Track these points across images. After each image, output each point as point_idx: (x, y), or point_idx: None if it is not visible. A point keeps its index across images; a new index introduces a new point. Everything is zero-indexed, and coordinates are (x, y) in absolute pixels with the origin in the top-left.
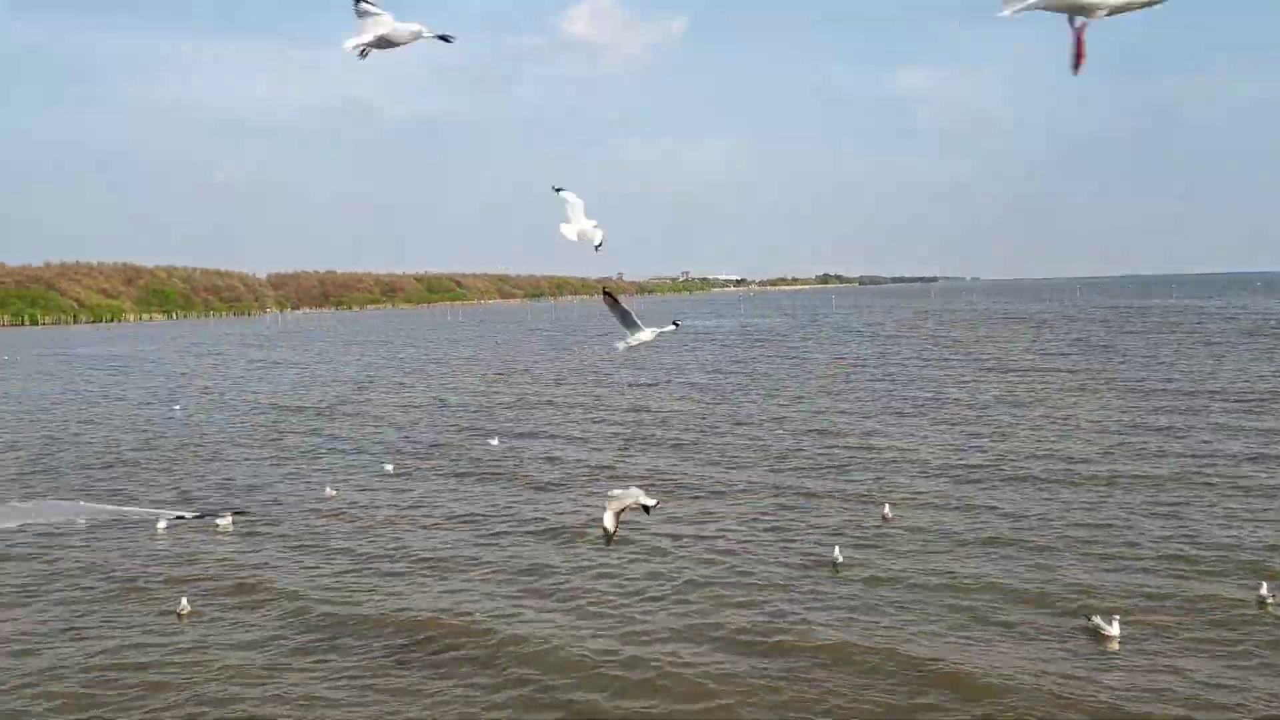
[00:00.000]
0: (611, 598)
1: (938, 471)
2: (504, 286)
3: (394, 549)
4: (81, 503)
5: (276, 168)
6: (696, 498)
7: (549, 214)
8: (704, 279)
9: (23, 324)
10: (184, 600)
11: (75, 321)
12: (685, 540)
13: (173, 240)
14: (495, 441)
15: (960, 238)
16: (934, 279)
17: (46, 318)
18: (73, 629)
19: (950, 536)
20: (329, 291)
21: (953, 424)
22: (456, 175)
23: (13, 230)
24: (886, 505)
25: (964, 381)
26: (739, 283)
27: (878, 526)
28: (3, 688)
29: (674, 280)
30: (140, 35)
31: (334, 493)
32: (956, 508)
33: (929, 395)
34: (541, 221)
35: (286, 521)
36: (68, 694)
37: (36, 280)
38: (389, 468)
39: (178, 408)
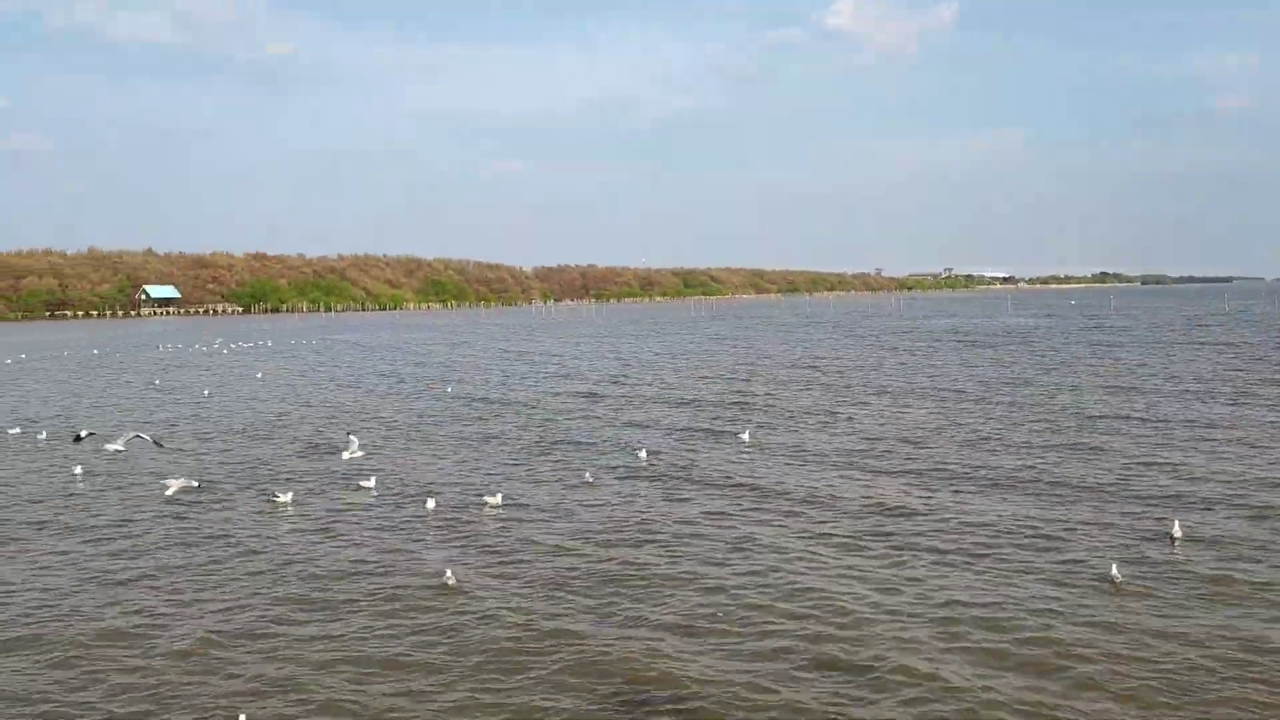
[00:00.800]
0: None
1: (1242, 500)
2: (758, 281)
3: (649, 536)
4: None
5: (543, 164)
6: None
7: (806, 211)
8: (968, 276)
9: (318, 310)
10: (449, 572)
11: (363, 309)
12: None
13: (447, 235)
14: (746, 436)
15: (1261, 232)
16: (1229, 279)
17: (339, 305)
18: (350, 600)
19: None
20: (590, 284)
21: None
22: (713, 170)
23: (314, 226)
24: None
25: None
26: (1006, 280)
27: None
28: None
29: (935, 277)
30: (425, 45)
31: (590, 479)
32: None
33: (1228, 409)
34: (799, 218)
35: (543, 501)
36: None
37: (332, 271)
38: (642, 454)
39: (449, 389)
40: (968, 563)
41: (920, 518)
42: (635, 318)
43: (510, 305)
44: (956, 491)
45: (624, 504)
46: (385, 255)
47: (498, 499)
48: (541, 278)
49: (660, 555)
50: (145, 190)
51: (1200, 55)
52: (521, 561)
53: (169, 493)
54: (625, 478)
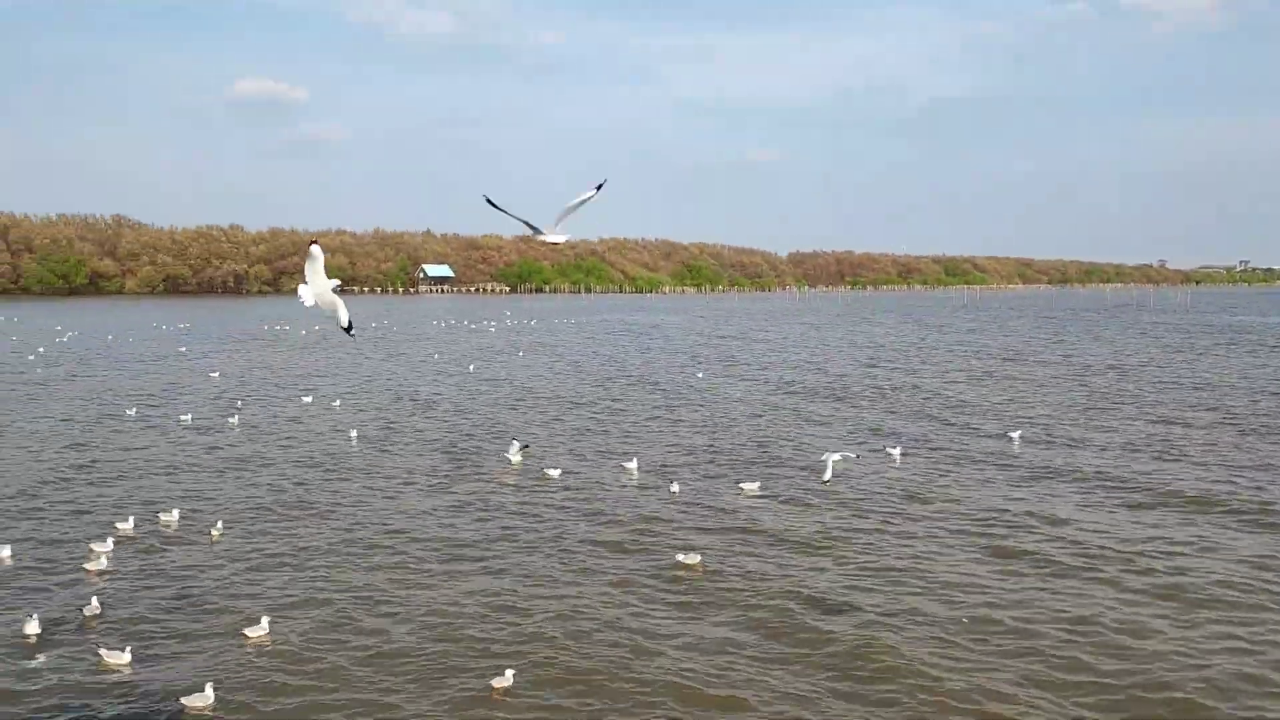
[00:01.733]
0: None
1: None
2: (1026, 271)
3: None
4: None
5: (801, 150)
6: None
7: (1081, 197)
8: (1268, 270)
9: (579, 291)
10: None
11: (620, 291)
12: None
13: (704, 220)
14: (1016, 436)
15: None
16: None
17: (598, 286)
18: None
19: None
20: (845, 271)
21: None
22: (980, 155)
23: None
24: None
25: None
26: None
27: None
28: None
29: (1229, 270)
30: (680, 35)
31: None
32: None
33: None
34: (1073, 205)
35: (785, 492)
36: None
37: (592, 254)
38: (895, 452)
39: (700, 375)
40: None
41: None
42: (888, 306)
43: (764, 290)
44: None
45: (860, 498)
46: (643, 239)
47: (754, 487)
48: (796, 264)
49: (841, 557)
50: (424, 174)
51: None
52: (769, 547)
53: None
54: (840, 477)
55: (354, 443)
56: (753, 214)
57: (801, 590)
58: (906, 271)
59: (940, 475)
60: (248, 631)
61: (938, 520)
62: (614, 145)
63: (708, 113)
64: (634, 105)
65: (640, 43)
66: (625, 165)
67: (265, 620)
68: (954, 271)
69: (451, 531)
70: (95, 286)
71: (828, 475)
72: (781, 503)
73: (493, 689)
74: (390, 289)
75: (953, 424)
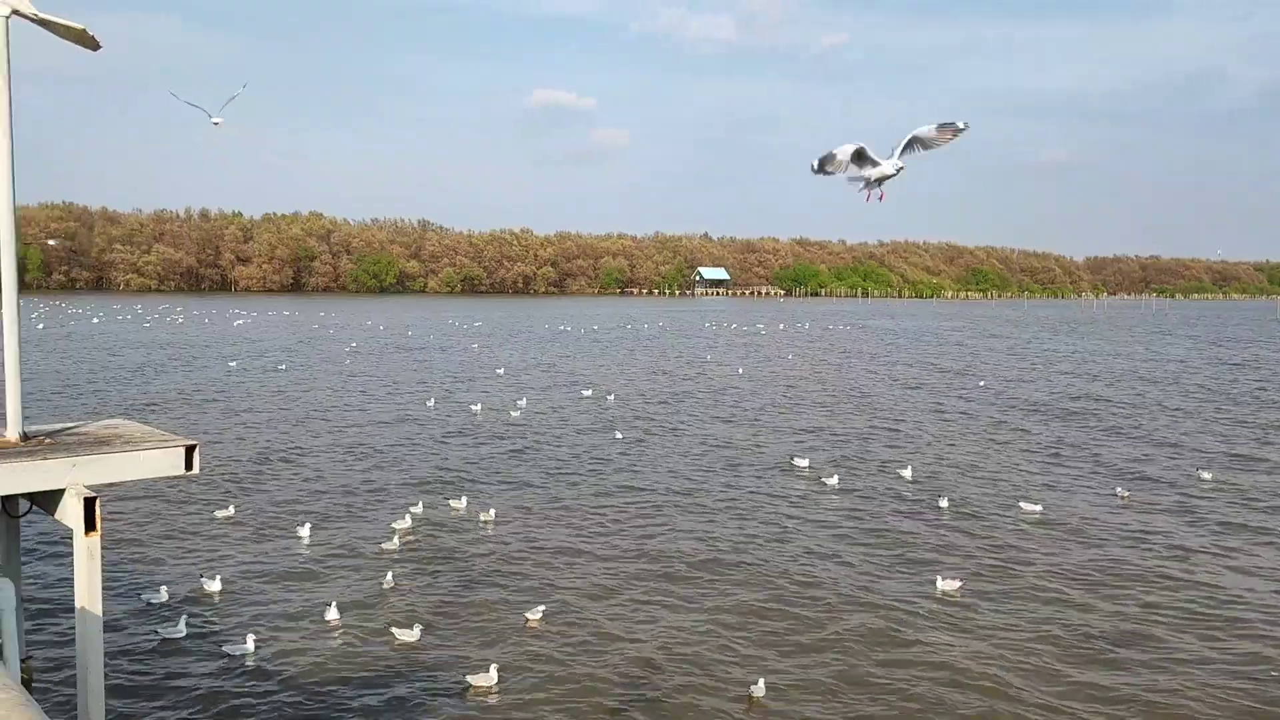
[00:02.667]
0: None
1: None
2: None
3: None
4: None
5: (1098, 146)
6: None
7: None
8: None
9: (855, 296)
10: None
11: (899, 296)
12: None
13: (988, 221)
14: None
15: None
16: None
17: (876, 291)
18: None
19: None
20: (1150, 278)
21: None
22: None
23: (851, 211)
24: None
25: None
26: None
27: None
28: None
29: None
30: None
31: (1125, 494)
32: None
33: None
34: None
35: (1078, 514)
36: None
37: (870, 257)
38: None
39: (982, 383)
40: None
41: None
42: (1190, 316)
43: (1056, 297)
44: None
45: (1145, 533)
46: (924, 241)
47: (1036, 508)
48: (1093, 269)
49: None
50: (703, 178)
51: None
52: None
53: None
54: (1135, 504)
55: (617, 439)
56: (1044, 216)
57: (1070, 625)
58: (1222, 279)
59: None
60: (528, 615)
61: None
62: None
63: (996, 110)
64: (918, 103)
65: (925, 39)
66: (910, 167)
67: (540, 609)
68: (1279, 280)
69: (715, 534)
70: (402, 286)
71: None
72: (1064, 530)
73: (750, 698)
74: (667, 291)
75: None
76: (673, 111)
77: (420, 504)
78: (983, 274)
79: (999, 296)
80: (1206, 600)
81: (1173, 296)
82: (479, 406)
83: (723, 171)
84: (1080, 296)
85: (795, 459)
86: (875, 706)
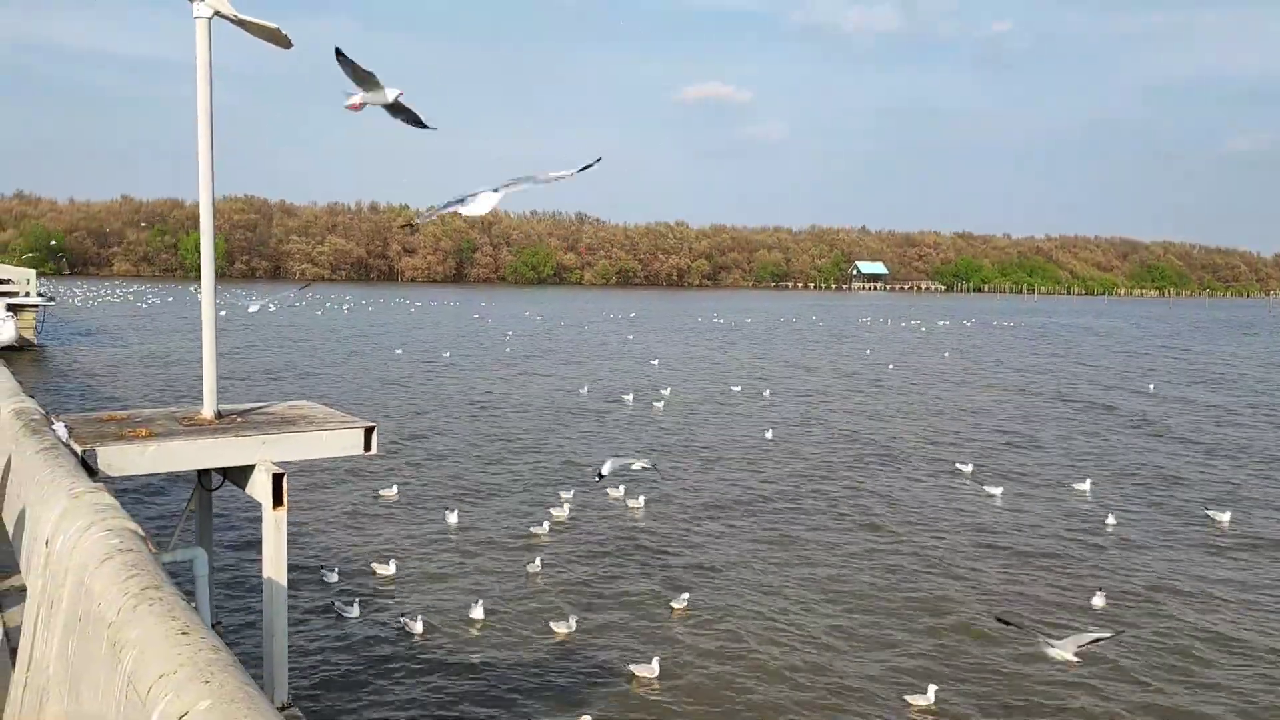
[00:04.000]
0: None
1: None
2: None
3: None
4: None
5: None
6: None
7: None
8: None
9: (1020, 293)
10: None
11: (1069, 293)
12: None
13: (1167, 215)
14: None
15: None
16: None
17: (1042, 288)
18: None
19: None
20: None
21: None
22: None
23: (1016, 204)
24: None
25: None
26: None
27: None
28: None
29: None
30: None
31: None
32: None
33: None
34: None
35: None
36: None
37: (1037, 251)
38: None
39: (1151, 387)
40: None
41: None
42: None
43: (1240, 296)
44: None
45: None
46: (1096, 236)
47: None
48: None
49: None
50: (863, 171)
51: None
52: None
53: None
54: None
55: (770, 438)
56: (1229, 210)
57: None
58: None
59: None
60: (674, 604)
61: None
62: (1066, 136)
63: (1176, 97)
64: (1093, 92)
65: (1097, 25)
66: (1080, 155)
67: (685, 597)
68: None
69: (869, 535)
70: (559, 277)
71: (605, 470)
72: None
73: (908, 704)
74: (823, 285)
75: None
76: (831, 103)
77: (572, 491)
78: (1159, 270)
79: (1177, 294)
80: None
81: None
82: (631, 396)
83: (882, 164)
84: (1269, 296)
85: (957, 465)
86: None
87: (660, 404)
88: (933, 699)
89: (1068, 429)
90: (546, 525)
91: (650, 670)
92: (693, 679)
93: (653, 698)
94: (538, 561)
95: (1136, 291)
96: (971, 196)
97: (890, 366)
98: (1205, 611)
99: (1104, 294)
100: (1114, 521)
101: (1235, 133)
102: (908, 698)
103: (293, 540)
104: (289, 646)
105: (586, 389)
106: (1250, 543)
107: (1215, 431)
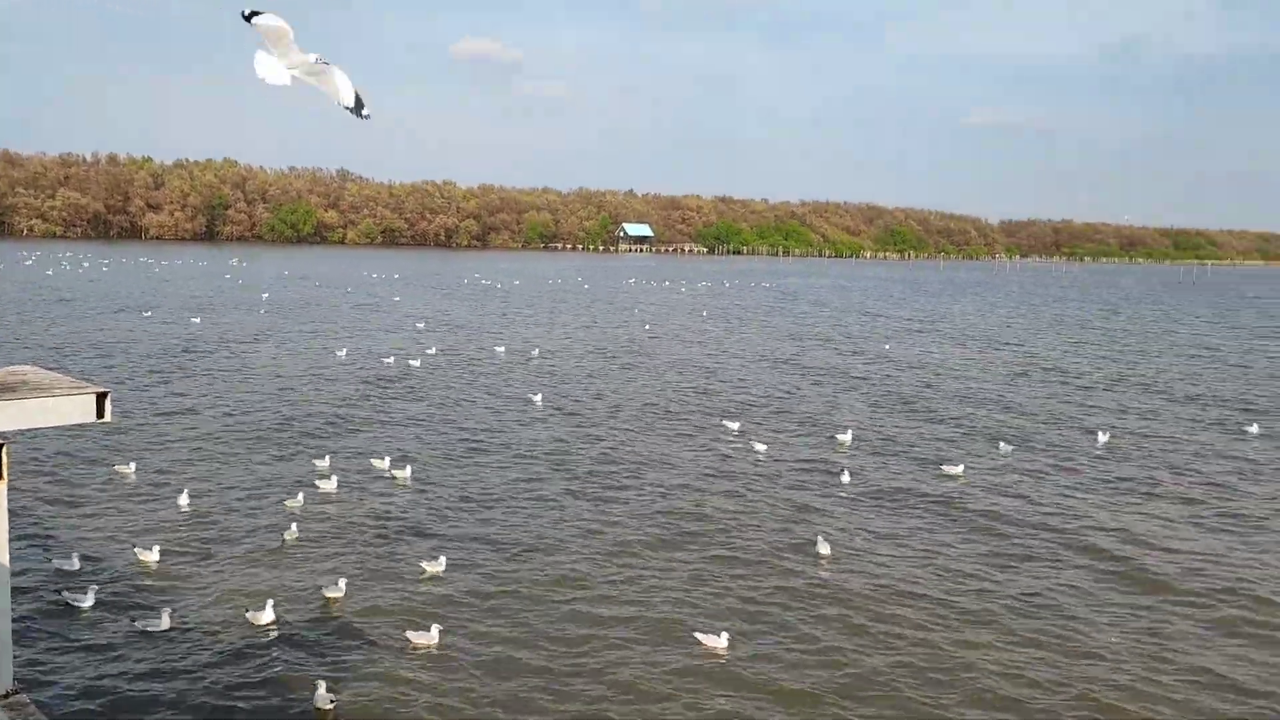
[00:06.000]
0: None
1: None
2: (1268, 247)
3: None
4: None
5: (1025, 112)
6: None
7: None
8: None
9: (776, 255)
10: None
11: (820, 255)
12: None
13: (910, 183)
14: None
15: None
16: None
17: (796, 250)
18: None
19: None
20: (1062, 241)
21: None
22: (1226, 120)
23: (773, 171)
24: None
25: None
26: None
27: None
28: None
29: None
30: None
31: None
32: None
33: None
34: None
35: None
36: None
37: (792, 216)
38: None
39: (888, 346)
40: None
41: None
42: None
43: (971, 259)
44: None
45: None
46: (845, 202)
47: (958, 470)
48: (1008, 232)
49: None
50: (630, 135)
51: None
52: None
53: None
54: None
55: (539, 405)
56: (965, 179)
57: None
58: (1130, 244)
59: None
60: (426, 566)
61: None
62: (832, 106)
63: (921, 73)
64: (855, 66)
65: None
66: (839, 127)
67: (442, 559)
68: (1183, 245)
69: (633, 493)
70: (320, 236)
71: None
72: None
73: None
74: (591, 247)
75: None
76: (606, 66)
77: (327, 459)
78: (901, 235)
79: (916, 257)
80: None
81: (1081, 260)
82: (392, 359)
83: (651, 127)
84: (994, 259)
85: (724, 421)
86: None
87: (417, 362)
88: (725, 642)
89: (816, 387)
90: (302, 497)
91: (429, 638)
92: (470, 644)
93: (431, 666)
94: (294, 529)
95: (881, 254)
96: (733, 162)
97: (647, 327)
98: (902, 563)
99: (852, 256)
100: (847, 479)
101: (976, 107)
102: (699, 635)
103: (16, 519)
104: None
105: (344, 352)
106: (960, 499)
107: (942, 382)
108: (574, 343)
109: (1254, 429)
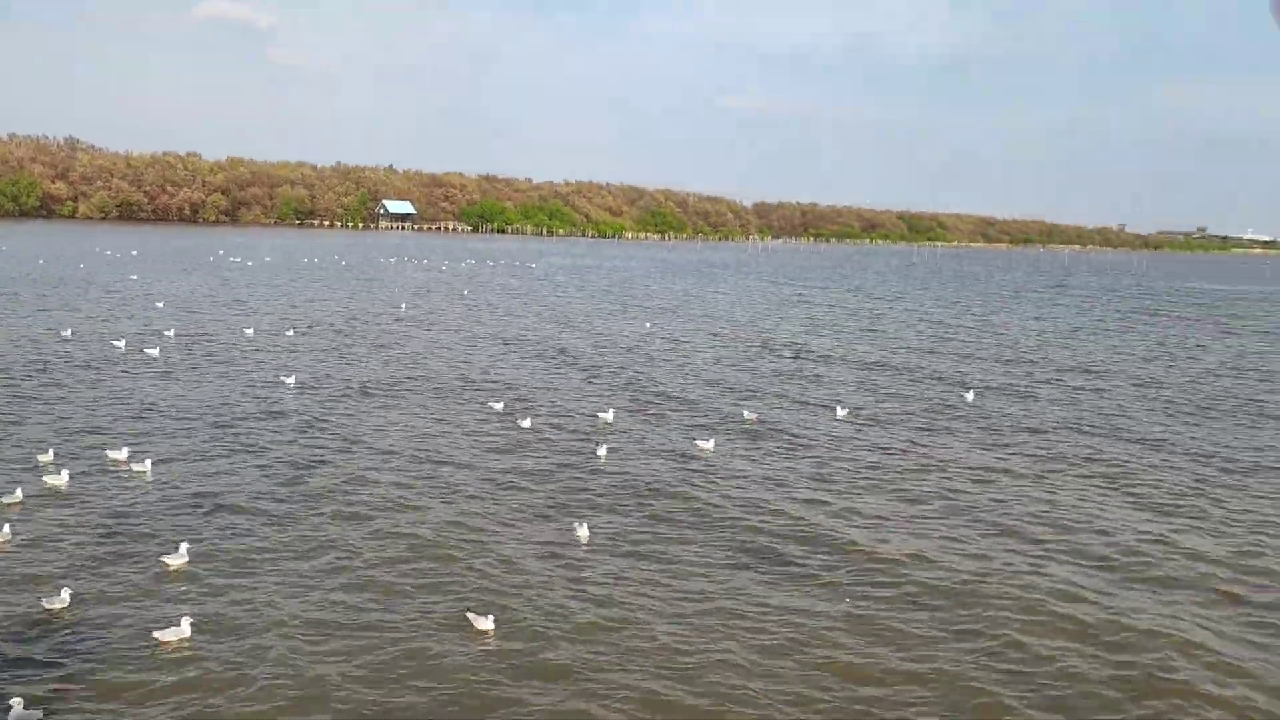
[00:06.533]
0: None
1: None
2: (988, 230)
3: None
4: None
5: (774, 99)
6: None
7: (1050, 158)
8: (1223, 238)
9: (541, 234)
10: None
11: (584, 235)
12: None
13: (672, 166)
14: (970, 395)
15: None
16: None
17: (561, 230)
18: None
19: None
20: (809, 223)
21: None
22: (954, 112)
23: (537, 151)
24: None
25: None
26: (1268, 244)
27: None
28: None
29: (1187, 236)
30: None
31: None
32: None
33: None
34: (1041, 165)
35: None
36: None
37: (556, 195)
38: (748, 414)
39: (649, 325)
40: None
41: None
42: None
43: (727, 240)
44: None
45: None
46: (608, 183)
47: (709, 445)
48: (761, 214)
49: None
50: (391, 110)
51: None
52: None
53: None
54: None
55: (291, 386)
56: (721, 162)
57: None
58: (870, 226)
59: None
60: (171, 562)
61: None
62: (588, 85)
63: (680, 57)
64: (613, 47)
65: None
66: (599, 107)
67: (184, 548)
68: (917, 228)
69: (380, 462)
70: (46, 209)
71: None
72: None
73: (472, 627)
74: (350, 224)
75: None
76: (363, 38)
77: (51, 452)
78: (662, 216)
79: (676, 238)
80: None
81: (826, 241)
82: (123, 342)
83: (413, 103)
84: (749, 240)
85: (490, 400)
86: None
87: (156, 351)
88: (492, 625)
89: (575, 367)
90: (20, 493)
91: (180, 632)
92: (222, 637)
93: (184, 658)
94: (6, 529)
95: (642, 235)
96: (497, 140)
97: (404, 306)
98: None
99: (615, 236)
100: (603, 453)
101: (735, 91)
102: (470, 615)
103: None
104: None
105: (70, 331)
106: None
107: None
108: (330, 322)
109: (969, 396)
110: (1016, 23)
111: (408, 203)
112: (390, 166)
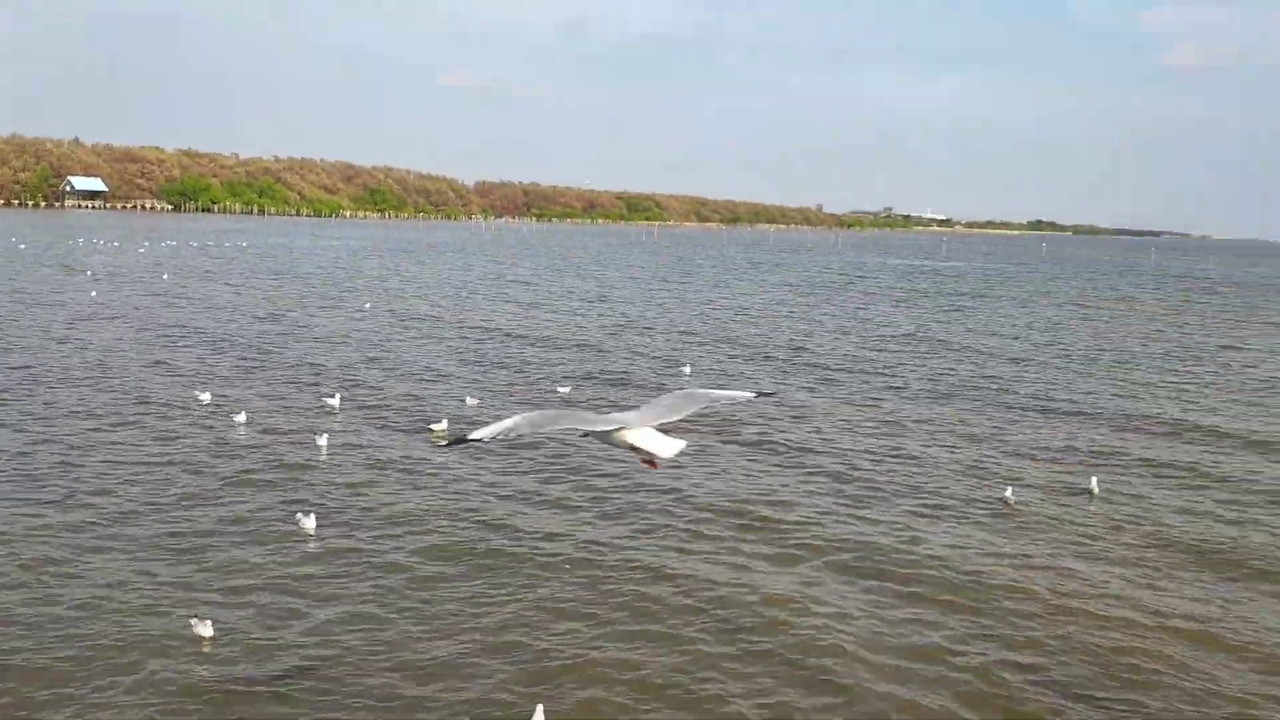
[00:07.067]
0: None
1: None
2: (701, 210)
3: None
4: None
5: (496, 79)
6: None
7: (755, 141)
8: (906, 217)
9: (251, 213)
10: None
11: (298, 214)
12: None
13: (393, 143)
14: (688, 370)
15: (1191, 193)
16: (1159, 234)
17: (272, 208)
18: None
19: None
20: (531, 202)
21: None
22: (664, 95)
23: (248, 124)
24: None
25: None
26: (943, 223)
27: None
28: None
29: (875, 215)
30: None
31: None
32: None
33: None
34: (746, 148)
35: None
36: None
37: (266, 172)
38: (564, 389)
39: (367, 306)
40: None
41: None
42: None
43: (450, 219)
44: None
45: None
46: (321, 159)
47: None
48: (483, 193)
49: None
50: (76, 76)
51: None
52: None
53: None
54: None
55: None
56: (443, 140)
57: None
58: (591, 206)
59: None
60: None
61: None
62: (296, 53)
63: (405, 31)
64: (342, 19)
65: None
66: (308, 77)
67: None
68: (636, 208)
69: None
70: None
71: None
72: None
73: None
74: (30, 202)
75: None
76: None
77: None
78: (381, 194)
79: (396, 217)
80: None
81: (550, 221)
82: None
83: (101, 71)
84: (471, 219)
85: (195, 390)
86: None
87: None
88: (210, 631)
89: (294, 343)
90: None
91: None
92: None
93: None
94: None
95: (361, 214)
96: (198, 112)
97: (94, 293)
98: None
99: (332, 215)
100: (244, 432)
101: (444, 69)
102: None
103: None
104: None
105: None
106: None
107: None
108: (4, 314)
109: (686, 370)
110: (732, 9)
111: (98, 179)
112: (76, 139)
